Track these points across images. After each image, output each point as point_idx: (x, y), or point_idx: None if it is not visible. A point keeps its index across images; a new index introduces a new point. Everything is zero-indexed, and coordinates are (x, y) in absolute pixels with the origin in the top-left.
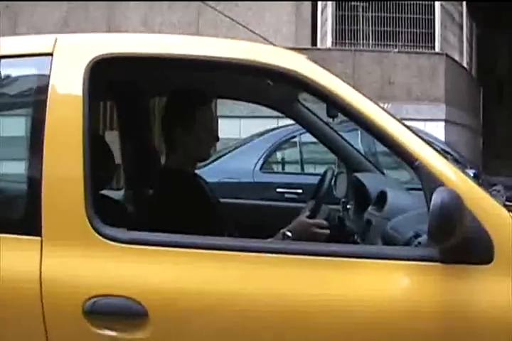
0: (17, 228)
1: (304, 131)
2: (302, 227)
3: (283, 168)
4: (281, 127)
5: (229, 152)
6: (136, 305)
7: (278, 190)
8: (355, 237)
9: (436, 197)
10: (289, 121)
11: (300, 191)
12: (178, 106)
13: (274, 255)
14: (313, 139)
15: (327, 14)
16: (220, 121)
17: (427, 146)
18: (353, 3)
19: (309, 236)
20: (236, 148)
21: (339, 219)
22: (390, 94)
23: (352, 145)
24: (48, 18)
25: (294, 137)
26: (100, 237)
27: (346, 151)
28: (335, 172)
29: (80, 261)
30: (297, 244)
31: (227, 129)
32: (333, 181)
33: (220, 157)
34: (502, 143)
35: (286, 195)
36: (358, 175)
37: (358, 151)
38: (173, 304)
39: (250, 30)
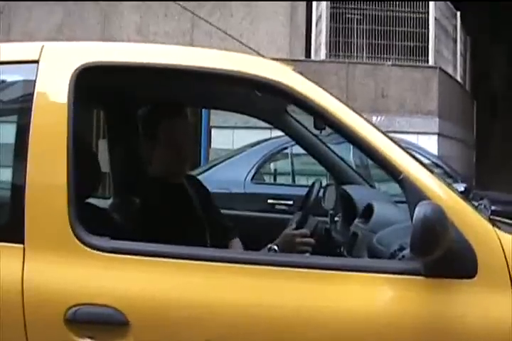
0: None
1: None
2: (286, 238)
3: (274, 179)
4: (273, 138)
5: (221, 162)
6: (118, 314)
7: (269, 201)
8: (342, 250)
9: (419, 211)
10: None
11: (291, 202)
12: (146, 119)
13: (260, 266)
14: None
15: (321, 26)
16: (213, 131)
17: (412, 160)
18: (347, 15)
19: (293, 246)
20: (228, 158)
21: (326, 231)
22: (383, 106)
23: (341, 158)
24: (42, 25)
25: (286, 148)
26: (83, 246)
27: (335, 163)
28: (322, 184)
29: (63, 270)
30: (284, 256)
31: (220, 140)
32: (321, 193)
33: (212, 167)
34: (495, 157)
35: (277, 206)
36: (346, 187)
37: (347, 163)
38: (155, 314)
39: (241, 43)
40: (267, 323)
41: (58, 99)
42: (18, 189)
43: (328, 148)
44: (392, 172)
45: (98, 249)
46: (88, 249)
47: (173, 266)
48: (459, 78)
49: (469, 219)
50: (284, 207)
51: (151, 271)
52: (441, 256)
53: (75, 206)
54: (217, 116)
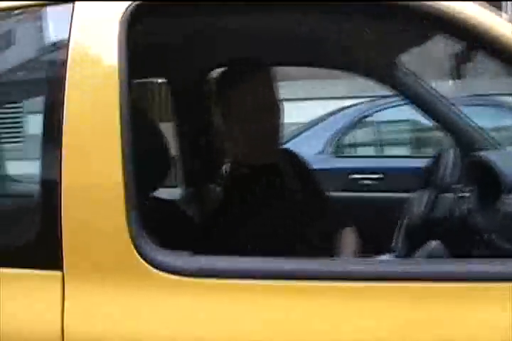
0: (28, 259)
1: (378, 109)
2: None
3: (356, 152)
4: (351, 106)
5: (295, 136)
6: None
7: (352, 176)
8: (492, 236)
9: None
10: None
11: (378, 176)
12: (217, 83)
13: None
14: (389, 117)
15: None
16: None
17: None
18: None
19: None
20: (303, 131)
21: (468, 213)
22: None
23: (469, 118)
24: None
25: (367, 116)
26: (150, 267)
27: (460, 125)
28: (451, 155)
29: (118, 308)
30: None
31: (286, 112)
32: (449, 164)
33: (286, 142)
34: None
35: (360, 182)
36: (483, 154)
37: (477, 126)
38: None
39: None
40: None
41: (103, 53)
42: (50, 188)
43: (452, 105)
44: None
45: (174, 272)
46: (158, 272)
47: (304, 293)
48: None
49: None
50: (369, 182)
51: (266, 304)
52: None
53: (137, 208)
54: (282, 89)
